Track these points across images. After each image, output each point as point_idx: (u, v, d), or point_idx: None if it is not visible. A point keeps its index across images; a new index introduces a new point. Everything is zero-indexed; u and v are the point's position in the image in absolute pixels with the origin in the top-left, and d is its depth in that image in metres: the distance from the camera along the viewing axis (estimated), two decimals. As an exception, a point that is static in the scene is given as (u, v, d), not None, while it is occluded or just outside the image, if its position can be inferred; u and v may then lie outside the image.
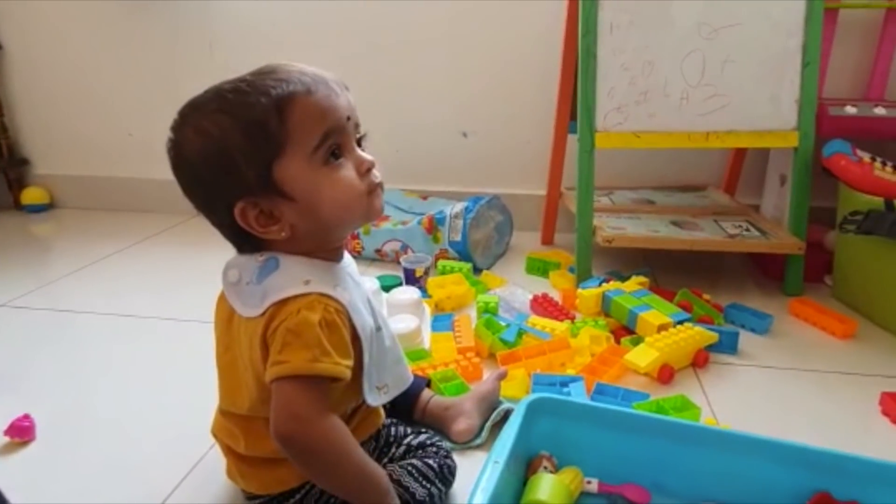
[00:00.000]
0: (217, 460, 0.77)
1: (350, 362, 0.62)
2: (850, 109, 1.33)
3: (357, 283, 0.69)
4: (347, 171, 0.63)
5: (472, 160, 1.79)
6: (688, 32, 1.27)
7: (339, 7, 1.72)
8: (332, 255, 0.68)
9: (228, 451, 0.73)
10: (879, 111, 1.32)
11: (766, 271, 1.43)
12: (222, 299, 0.69)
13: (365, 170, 0.64)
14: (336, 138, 0.62)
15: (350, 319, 0.63)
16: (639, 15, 1.26)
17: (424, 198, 1.73)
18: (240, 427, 0.69)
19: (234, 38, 1.80)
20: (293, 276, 0.62)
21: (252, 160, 0.59)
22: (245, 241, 0.65)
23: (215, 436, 0.74)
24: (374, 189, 0.64)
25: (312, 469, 0.63)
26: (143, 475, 0.81)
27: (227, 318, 0.68)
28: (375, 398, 0.69)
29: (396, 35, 1.72)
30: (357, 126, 0.65)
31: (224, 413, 0.72)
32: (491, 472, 0.63)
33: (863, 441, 0.89)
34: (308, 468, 0.63)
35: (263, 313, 0.62)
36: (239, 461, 0.71)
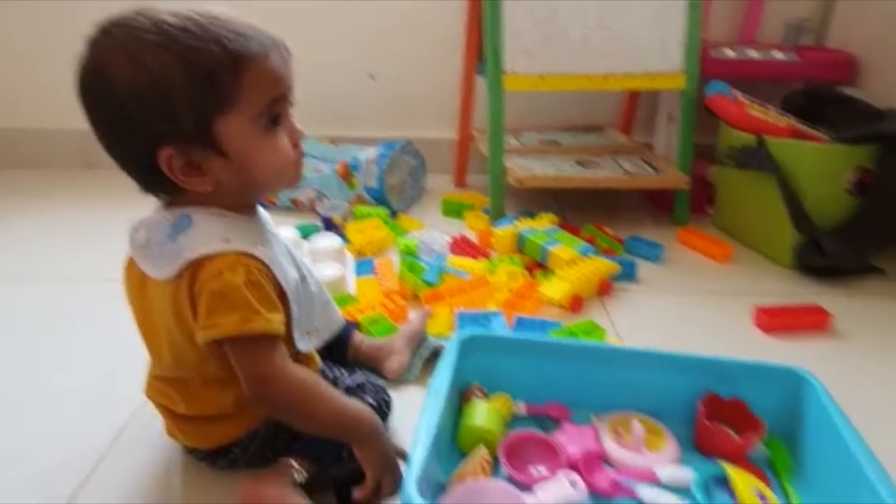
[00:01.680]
0: (149, 417, 0.77)
1: (280, 316, 0.63)
2: (729, 52, 1.45)
3: (275, 235, 0.70)
4: (283, 139, 0.63)
5: (382, 104, 1.77)
6: (586, -23, 1.31)
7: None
8: (248, 210, 0.68)
9: (166, 411, 0.73)
10: (753, 54, 1.45)
11: (658, 203, 1.57)
12: (132, 264, 0.67)
13: (295, 140, 0.65)
14: (279, 106, 0.62)
15: (274, 276, 0.64)
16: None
17: (335, 144, 1.70)
18: (175, 389, 0.70)
19: None
20: (211, 234, 0.62)
21: (193, 108, 0.57)
22: (155, 184, 0.62)
23: (149, 398, 0.74)
24: (300, 158, 0.66)
25: (292, 418, 0.66)
26: (73, 440, 0.79)
27: (139, 284, 0.66)
28: (307, 343, 0.71)
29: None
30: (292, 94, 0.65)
31: (157, 377, 0.72)
32: (432, 402, 0.68)
33: (741, 348, 1.04)
34: (288, 418, 0.66)
35: (181, 273, 0.61)
36: (179, 420, 0.72)
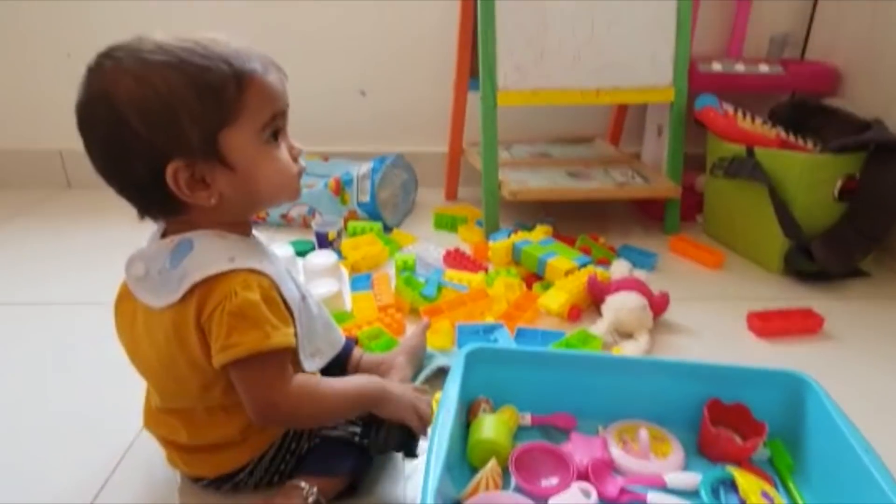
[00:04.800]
0: (148, 442, 0.76)
1: (293, 329, 0.64)
2: (716, 66, 1.48)
3: (274, 254, 0.70)
4: (284, 153, 0.64)
5: (372, 119, 1.78)
6: (577, -6, 1.34)
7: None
8: (245, 230, 0.68)
9: (166, 441, 0.72)
10: (739, 67, 1.49)
11: (648, 212, 1.59)
12: (122, 300, 0.67)
13: (295, 155, 0.66)
14: (279, 122, 0.63)
15: (281, 292, 0.64)
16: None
17: (326, 159, 1.71)
18: (178, 419, 0.69)
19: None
20: (215, 254, 0.61)
21: (199, 123, 0.57)
22: (156, 205, 0.62)
23: (148, 429, 0.73)
24: (300, 173, 0.67)
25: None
26: (73, 469, 0.78)
27: (131, 319, 0.66)
28: (311, 364, 0.71)
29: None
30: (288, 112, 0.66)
31: (158, 408, 0.71)
32: (444, 419, 0.68)
33: (737, 353, 1.05)
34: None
35: (185, 297, 0.60)
36: (181, 451, 0.71)
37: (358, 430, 0.74)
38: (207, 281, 0.60)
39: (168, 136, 0.57)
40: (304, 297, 0.70)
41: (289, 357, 0.64)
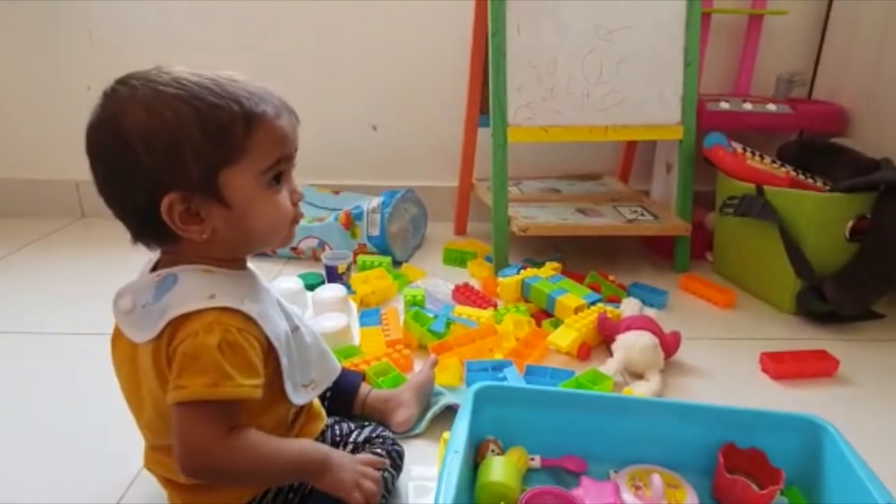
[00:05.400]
0: (150, 481, 0.74)
1: (258, 381, 0.61)
2: (724, 105, 1.49)
3: (265, 288, 0.69)
4: (284, 197, 0.64)
5: (383, 154, 1.80)
6: (586, 34, 1.37)
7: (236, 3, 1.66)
8: (237, 265, 0.67)
9: (165, 481, 0.70)
10: (747, 106, 1.50)
11: (657, 250, 1.59)
12: (118, 335, 0.66)
13: (295, 200, 0.66)
14: (283, 165, 0.63)
15: (262, 332, 0.62)
16: (542, 16, 1.34)
17: (336, 192, 1.72)
18: (172, 457, 0.66)
19: (117, 34, 1.68)
20: (195, 291, 0.61)
21: (202, 159, 0.58)
22: (149, 232, 0.62)
23: (149, 469, 0.72)
24: (297, 219, 0.67)
25: (236, 484, 0.64)
26: (76, 501, 0.77)
27: (128, 356, 0.65)
28: (303, 396, 0.69)
29: (303, 29, 1.69)
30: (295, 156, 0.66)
31: (153, 447, 0.70)
32: (452, 462, 0.67)
33: (750, 395, 1.03)
34: (229, 485, 0.64)
35: (161, 333, 0.60)
36: (181, 490, 0.69)
37: None
38: (182, 318, 0.59)
39: (169, 168, 0.58)
40: (296, 329, 0.69)
41: (238, 409, 0.61)
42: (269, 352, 0.63)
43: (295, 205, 0.66)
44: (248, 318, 0.61)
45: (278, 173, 0.63)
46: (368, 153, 1.80)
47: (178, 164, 0.57)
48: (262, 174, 0.61)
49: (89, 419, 0.93)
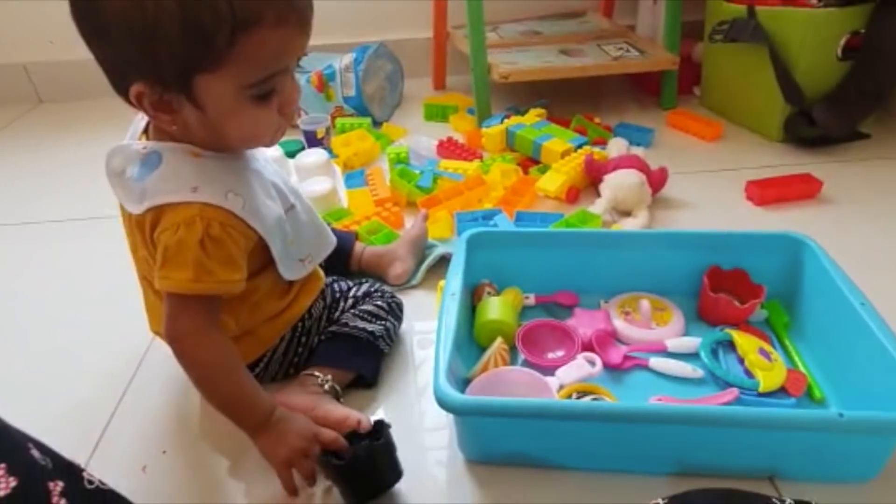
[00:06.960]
0: (162, 350, 0.75)
1: (240, 275, 0.61)
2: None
3: (257, 171, 0.66)
4: (269, 113, 0.58)
5: (350, 5, 1.67)
6: None
7: None
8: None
9: None
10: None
11: (644, 87, 1.54)
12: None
13: (287, 110, 0.60)
14: (275, 82, 0.56)
15: (247, 224, 0.61)
16: None
17: (305, 53, 1.62)
18: None
19: None
20: (178, 181, 0.59)
21: (177, 59, 0.52)
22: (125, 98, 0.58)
23: (155, 332, 0.74)
24: (283, 127, 0.62)
25: (191, 377, 0.65)
26: (90, 380, 0.80)
27: (129, 219, 0.65)
28: (298, 271, 0.71)
29: None
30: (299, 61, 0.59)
31: (155, 305, 0.71)
32: (450, 304, 0.69)
33: (736, 222, 1.06)
34: (188, 375, 0.64)
35: (143, 214, 0.60)
36: None
37: (368, 327, 0.75)
38: (165, 206, 0.58)
39: (143, 60, 0.53)
40: (291, 208, 0.68)
41: (218, 303, 0.62)
42: (259, 240, 0.63)
43: (285, 112, 0.59)
44: (231, 213, 0.60)
45: (269, 90, 0.56)
46: (334, 6, 1.67)
47: (151, 58, 0.52)
48: (245, 88, 0.55)
49: (91, 300, 0.94)
